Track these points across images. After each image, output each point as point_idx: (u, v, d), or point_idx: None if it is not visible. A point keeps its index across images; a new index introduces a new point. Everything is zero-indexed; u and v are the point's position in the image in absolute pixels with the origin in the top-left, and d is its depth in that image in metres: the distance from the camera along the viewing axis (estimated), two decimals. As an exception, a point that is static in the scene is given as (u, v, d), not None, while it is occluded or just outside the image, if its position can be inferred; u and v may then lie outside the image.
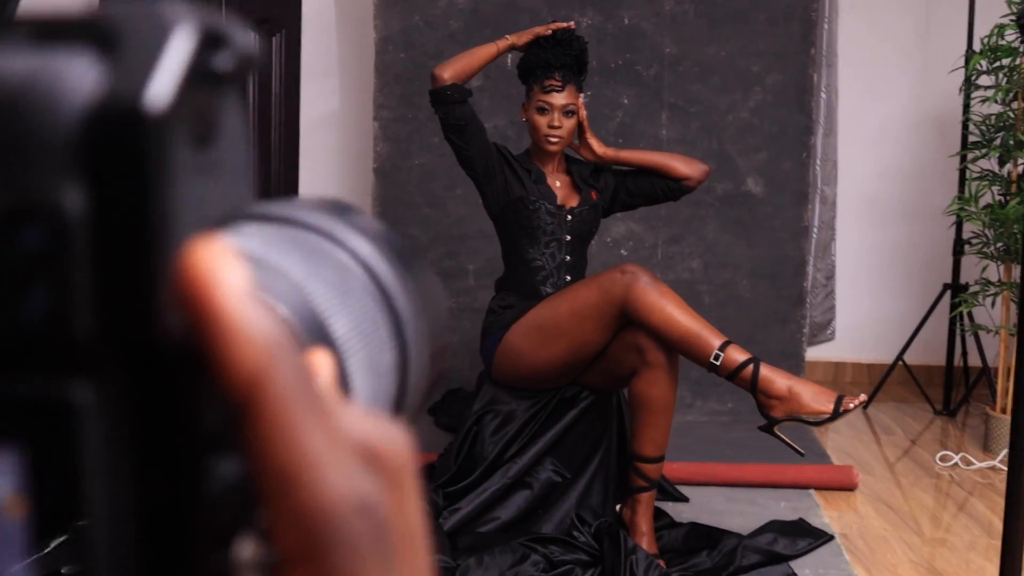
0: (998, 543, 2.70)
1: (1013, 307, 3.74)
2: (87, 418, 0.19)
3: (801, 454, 2.48)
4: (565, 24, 2.77)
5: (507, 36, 2.79)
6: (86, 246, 0.19)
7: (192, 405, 0.20)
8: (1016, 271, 3.73)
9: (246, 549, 0.21)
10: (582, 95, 2.77)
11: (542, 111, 2.69)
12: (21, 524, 0.19)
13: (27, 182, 0.19)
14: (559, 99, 2.68)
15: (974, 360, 4.13)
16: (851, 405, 2.31)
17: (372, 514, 0.21)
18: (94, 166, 0.19)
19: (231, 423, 0.20)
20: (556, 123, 2.68)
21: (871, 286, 4.71)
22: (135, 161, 0.19)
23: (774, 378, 2.34)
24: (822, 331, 4.73)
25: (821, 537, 2.63)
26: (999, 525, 2.83)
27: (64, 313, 0.19)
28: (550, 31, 2.74)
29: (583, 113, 2.74)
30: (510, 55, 3.20)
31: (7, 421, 0.19)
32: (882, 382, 4.24)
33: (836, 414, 2.30)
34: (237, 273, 0.20)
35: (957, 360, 4.19)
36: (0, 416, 0.19)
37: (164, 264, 0.19)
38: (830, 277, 4.69)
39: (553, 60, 2.70)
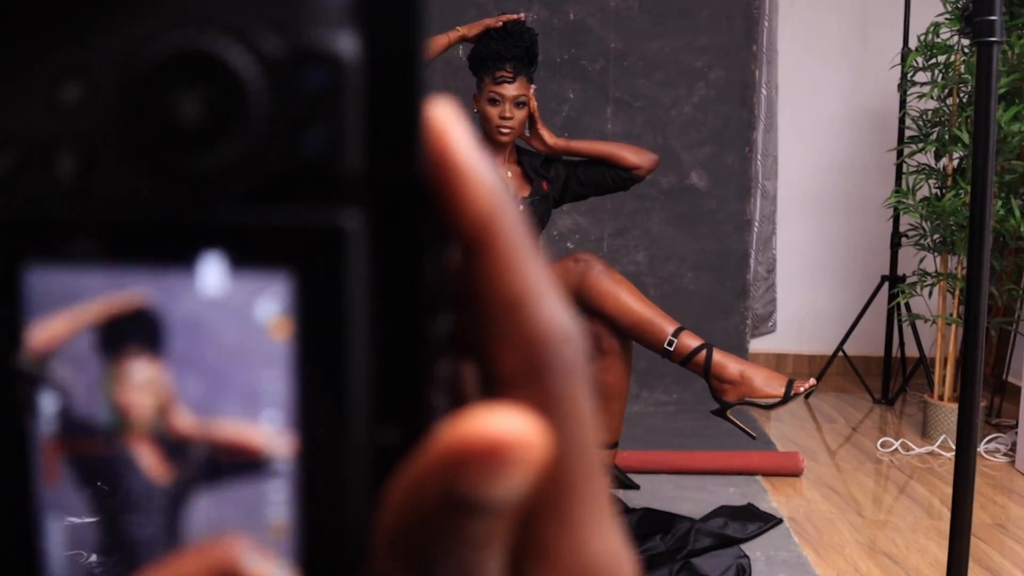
0: (939, 524, 2.77)
1: (949, 297, 3.85)
2: (354, 245, 0.21)
3: (753, 437, 2.53)
4: (515, 16, 2.80)
5: (458, 27, 2.80)
6: (359, 88, 0.21)
7: (432, 245, 0.22)
8: (952, 262, 3.83)
9: (467, 379, 0.24)
10: (532, 86, 2.78)
11: (493, 102, 2.71)
12: (284, 345, 0.21)
13: (311, 31, 0.21)
14: (510, 90, 2.70)
15: (911, 350, 4.24)
16: (801, 389, 2.36)
17: (579, 346, 0.23)
18: (368, 17, 0.21)
19: (459, 263, 0.23)
20: (507, 114, 2.70)
21: (811, 279, 4.81)
22: (403, 13, 0.22)
23: (726, 363, 2.38)
24: (764, 323, 4.82)
25: (770, 520, 2.68)
26: (939, 507, 2.92)
27: (339, 148, 0.21)
28: (500, 23, 2.76)
29: (534, 104, 2.76)
30: (460, 47, 3.20)
31: (281, 247, 0.21)
32: (823, 372, 4.32)
33: (787, 397, 2.35)
34: (465, 128, 0.23)
35: (895, 350, 4.29)
36: (275, 242, 0.21)
37: (422, 109, 0.22)
38: (771, 270, 4.78)
39: (504, 52, 2.71)
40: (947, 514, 2.59)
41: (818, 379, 4.25)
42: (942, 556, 2.46)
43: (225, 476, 0.22)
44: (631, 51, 4.10)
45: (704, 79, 4.16)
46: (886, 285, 4.21)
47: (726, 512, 2.68)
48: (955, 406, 3.54)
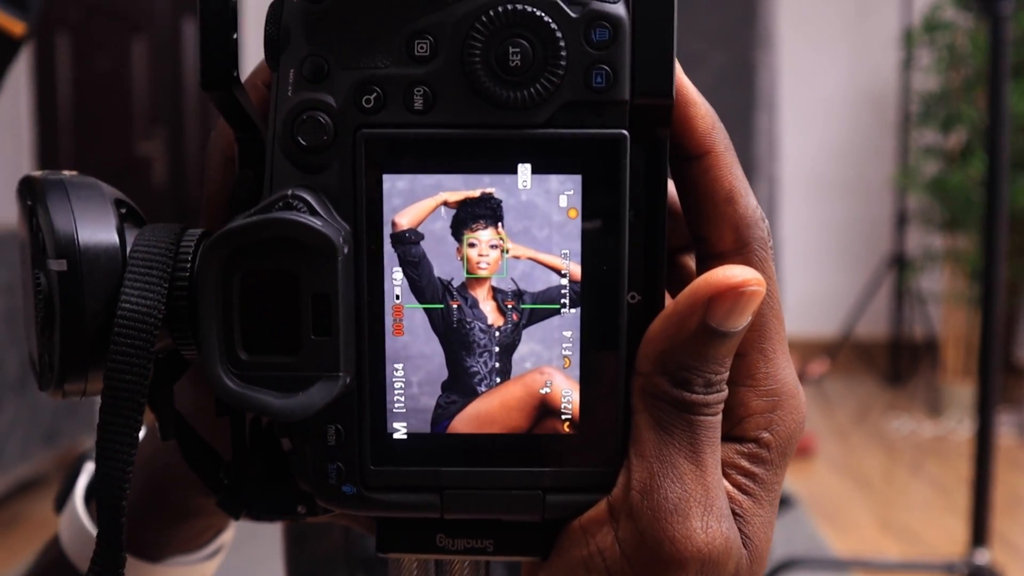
0: (954, 501, 2.78)
1: (958, 276, 3.85)
2: (624, 152, 0.30)
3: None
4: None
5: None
6: (630, 41, 0.30)
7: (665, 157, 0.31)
8: (960, 241, 3.83)
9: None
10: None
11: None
12: (577, 223, 0.30)
13: (592, 1, 0.30)
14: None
15: (919, 330, 4.24)
16: (815, 372, 2.36)
17: (767, 225, 0.32)
18: None
19: (690, 169, 0.32)
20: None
21: (816, 261, 4.80)
22: None
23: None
24: (769, 307, 4.81)
25: (785, 502, 2.68)
26: (954, 485, 2.92)
27: (616, 83, 0.30)
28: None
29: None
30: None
31: (574, 153, 0.30)
32: (833, 354, 4.33)
33: (800, 380, 2.35)
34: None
35: (904, 330, 4.29)
36: (571, 150, 0.30)
37: (672, 57, 0.30)
38: (776, 253, 4.77)
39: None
40: (961, 491, 2.60)
41: (829, 361, 4.26)
42: (958, 532, 2.47)
43: (536, 319, 0.30)
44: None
45: (704, 63, 4.15)
46: (894, 265, 4.21)
47: (742, 494, 2.68)
48: (966, 384, 3.54)
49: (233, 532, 0.48)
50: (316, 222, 0.28)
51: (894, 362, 4.28)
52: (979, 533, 1.82)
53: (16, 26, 0.69)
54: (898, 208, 4.21)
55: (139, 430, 0.31)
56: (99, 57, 4.70)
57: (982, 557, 1.86)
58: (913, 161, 3.98)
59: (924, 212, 3.95)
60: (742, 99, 4.14)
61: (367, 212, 0.30)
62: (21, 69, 4.55)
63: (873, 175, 4.62)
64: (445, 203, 0.30)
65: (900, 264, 4.16)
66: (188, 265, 0.30)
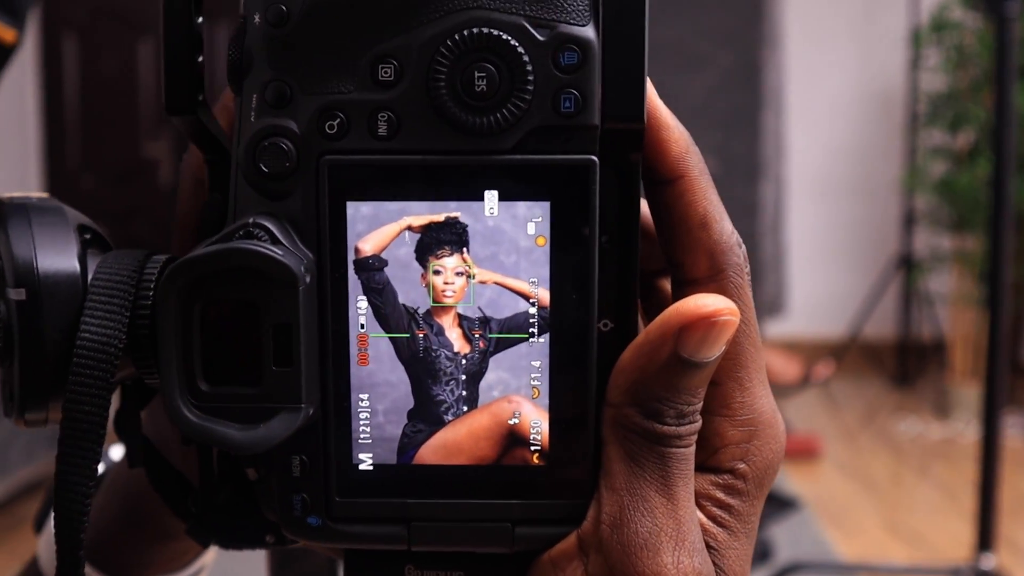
0: (962, 504, 2.76)
1: (966, 277, 3.83)
2: (594, 177, 0.29)
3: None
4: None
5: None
6: (598, 62, 0.29)
7: (638, 180, 0.31)
8: (968, 242, 3.81)
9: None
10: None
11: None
12: (545, 250, 0.30)
13: (565, 24, 0.29)
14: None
15: (926, 331, 4.22)
16: (820, 374, 2.35)
17: (743, 252, 0.31)
18: (604, 13, 0.29)
19: (662, 194, 0.31)
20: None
21: (822, 262, 4.79)
22: (630, 10, 0.29)
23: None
24: (775, 307, 4.80)
25: (792, 504, 2.67)
26: (961, 488, 2.91)
27: (585, 107, 0.29)
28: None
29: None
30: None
31: (542, 180, 0.29)
32: (840, 356, 4.31)
33: (806, 383, 2.34)
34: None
35: (911, 331, 4.27)
36: (538, 176, 0.29)
37: (643, 81, 0.30)
38: (782, 254, 4.76)
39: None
40: (969, 494, 2.59)
41: (836, 363, 4.24)
42: (966, 536, 2.45)
43: (504, 347, 0.30)
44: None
45: (711, 63, 4.14)
46: (901, 267, 4.19)
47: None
48: (974, 386, 3.53)
49: (215, 552, 0.47)
50: (277, 251, 0.28)
51: (902, 363, 4.26)
52: (985, 537, 1.80)
53: (7, 33, 0.69)
54: (906, 209, 4.19)
55: (99, 461, 0.30)
56: (106, 58, 4.71)
57: (988, 562, 1.84)
58: (921, 161, 3.96)
59: (932, 213, 3.93)
60: (749, 99, 4.13)
61: (331, 239, 0.30)
62: (28, 70, 4.56)
63: (880, 175, 4.60)
64: (409, 227, 0.30)
65: (908, 265, 4.14)
66: (151, 293, 0.30)
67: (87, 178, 4.65)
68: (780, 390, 2.36)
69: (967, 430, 3.48)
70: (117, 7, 4.71)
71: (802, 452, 3.14)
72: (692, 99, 4.18)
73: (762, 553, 2.41)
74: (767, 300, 4.72)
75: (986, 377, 1.85)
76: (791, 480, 2.93)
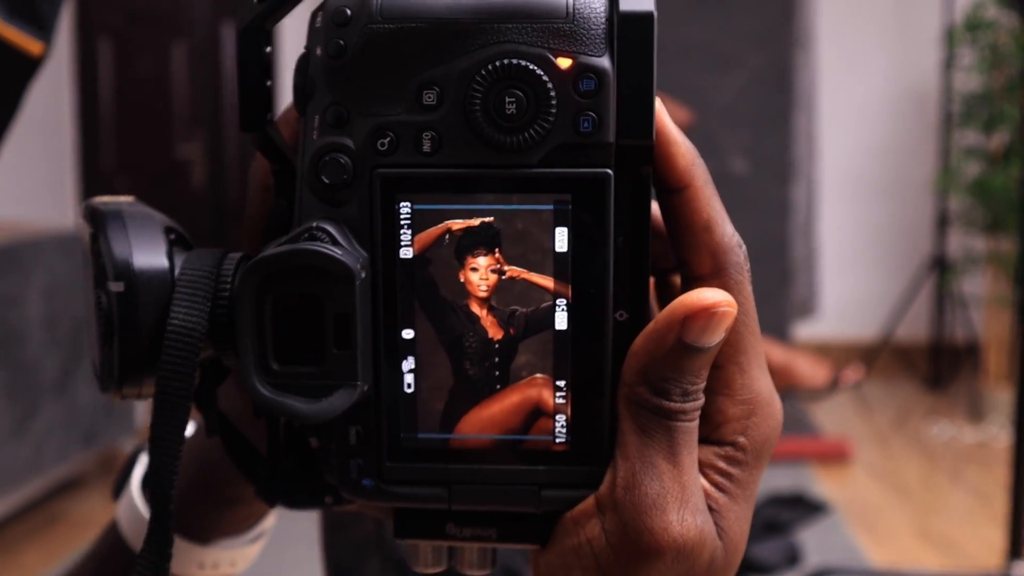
0: (995, 509, 2.73)
1: (1000, 279, 3.79)
2: (609, 188, 0.34)
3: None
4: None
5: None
6: (613, 88, 0.34)
7: (647, 194, 0.35)
8: (1003, 243, 3.77)
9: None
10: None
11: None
12: (566, 253, 0.35)
13: (584, 54, 0.34)
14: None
15: (959, 334, 4.17)
16: (849, 378, 2.33)
17: (744, 252, 0.35)
18: (618, 45, 0.34)
19: (671, 202, 0.35)
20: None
21: (855, 263, 4.75)
22: (640, 42, 0.34)
23: (771, 350, 2.36)
24: (807, 309, 4.77)
25: (821, 508, 2.65)
26: (995, 493, 2.87)
27: (601, 127, 0.34)
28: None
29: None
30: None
31: (564, 190, 0.34)
32: (872, 359, 4.27)
33: (834, 387, 2.32)
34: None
35: (946, 334, 4.23)
36: (561, 187, 0.34)
37: (652, 103, 0.34)
38: (814, 255, 4.73)
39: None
40: (1002, 499, 2.56)
41: (867, 366, 4.21)
42: (997, 541, 2.42)
43: (531, 334, 0.35)
44: (668, 37, 4.06)
45: (742, 64, 4.12)
46: (934, 268, 4.15)
47: (776, 500, 2.66)
48: (1007, 390, 3.48)
49: (274, 519, 0.52)
50: (337, 251, 0.33)
51: (934, 366, 4.21)
52: (1017, 545, 1.78)
53: (34, 46, 0.70)
54: (939, 210, 4.15)
55: (185, 428, 0.36)
56: (140, 61, 4.76)
57: (1020, 569, 1.82)
58: (954, 162, 3.92)
59: (966, 214, 3.89)
60: (781, 100, 4.11)
61: (382, 241, 0.35)
62: (63, 74, 4.62)
63: (913, 176, 4.55)
64: (449, 230, 0.35)
65: (941, 267, 4.10)
66: (228, 286, 0.35)
67: (121, 179, 4.71)
68: (807, 394, 2.34)
69: (1001, 434, 3.44)
70: (151, 11, 4.76)
71: (833, 455, 3.12)
72: (723, 99, 4.16)
73: (791, 558, 2.40)
74: (798, 302, 4.69)
75: (1018, 380, 1.83)
76: (822, 484, 2.91)
